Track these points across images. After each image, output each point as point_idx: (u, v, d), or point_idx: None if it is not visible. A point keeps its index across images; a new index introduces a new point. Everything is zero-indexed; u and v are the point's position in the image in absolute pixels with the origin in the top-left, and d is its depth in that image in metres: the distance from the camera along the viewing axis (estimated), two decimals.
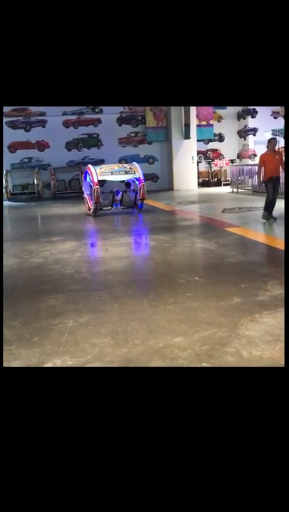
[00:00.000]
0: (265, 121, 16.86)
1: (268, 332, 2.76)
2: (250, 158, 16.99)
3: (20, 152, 15.82)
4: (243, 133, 17.43)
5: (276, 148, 7.47)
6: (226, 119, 17.42)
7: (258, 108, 16.84)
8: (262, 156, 7.45)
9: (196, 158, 16.08)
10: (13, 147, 15.71)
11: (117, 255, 5.36)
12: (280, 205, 7.47)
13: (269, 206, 7.21)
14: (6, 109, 15.26)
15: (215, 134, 17.34)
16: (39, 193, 15.10)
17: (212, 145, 17.49)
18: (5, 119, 15.43)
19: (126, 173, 9.50)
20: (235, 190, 13.59)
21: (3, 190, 14.71)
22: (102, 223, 8.64)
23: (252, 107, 16.83)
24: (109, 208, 9.85)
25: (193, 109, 15.63)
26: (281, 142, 10.91)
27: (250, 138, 17.18)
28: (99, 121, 16.19)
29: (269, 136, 16.54)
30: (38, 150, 15.95)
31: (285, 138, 15.15)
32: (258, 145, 16.90)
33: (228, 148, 17.54)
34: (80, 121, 16.09)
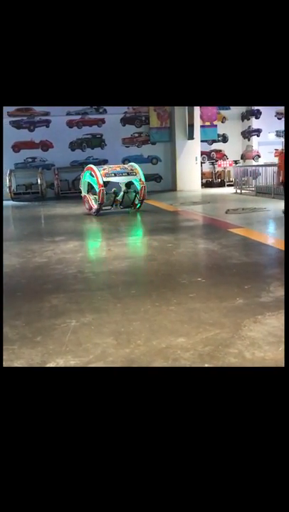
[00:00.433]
0: (269, 122, 16.84)
1: (271, 333, 2.76)
2: (254, 159, 16.97)
3: (24, 152, 15.85)
4: (247, 134, 17.41)
5: None
6: (230, 120, 17.41)
7: (262, 109, 16.82)
8: (281, 157, 7.43)
9: (199, 159, 16.08)
10: (17, 147, 15.75)
11: (119, 255, 5.36)
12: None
13: None
14: (10, 108, 15.31)
15: (219, 135, 17.33)
16: (42, 193, 15.13)
17: (216, 146, 17.48)
18: (9, 119, 15.48)
19: (128, 174, 9.66)
20: (238, 191, 13.57)
21: (7, 189, 14.74)
22: (105, 223, 8.65)
23: (256, 108, 16.81)
24: (109, 207, 9.91)
25: (197, 110, 15.63)
26: None
27: (254, 139, 17.16)
28: (103, 121, 16.21)
29: (273, 137, 16.56)
30: (41, 150, 15.99)
31: (285, 138, 15.16)
32: (261, 146, 16.89)
33: (232, 149, 17.52)
34: (83, 121, 16.12)
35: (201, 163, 16.46)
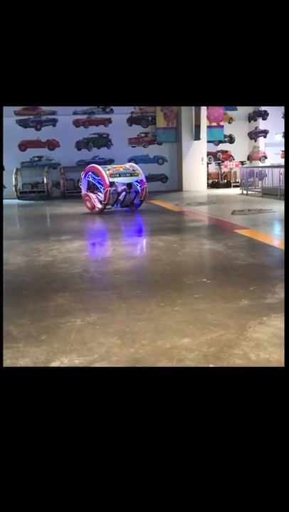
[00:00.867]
0: (276, 123, 16.80)
1: (276, 335, 2.75)
2: (260, 160, 16.94)
3: (31, 151, 15.90)
4: (254, 135, 17.38)
5: None
6: (237, 121, 17.38)
7: (269, 110, 16.79)
8: None
9: (205, 160, 16.06)
10: (24, 146, 15.80)
11: (125, 255, 5.36)
12: None
13: None
14: (17, 107, 15.36)
15: (225, 136, 17.31)
16: (48, 192, 15.16)
17: (222, 146, 17.46)
18: (16, 118, 15.53)
19: (131, 175, 9.86)
20: (244, 192, 13.54)
21: (13, 188, 14.79)
22: (111, 223, 8.65)
23: (263, 109, 16.77)
24: (110, 206, 10.05)
25: (203, 111, 15.61)
26: None
27: (261, 140, 17.13)
28: (109, 121, 16.23)
29: (280, 138, 16.51)
30: (48, 149, 16.03)
31: (285, 138, 15.12)
32: (268, 147, 16.85)
33: (239, 149, 17.50)
34: (90, 120, 16.14)
35: (207, 163, 16.44)
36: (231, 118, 17.36)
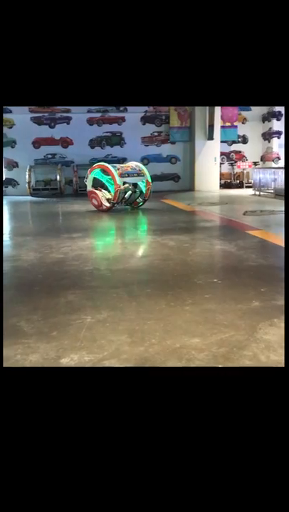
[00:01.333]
0: None
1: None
2: (273, 161, 16.82)
3: (44, 148, 15.97)
4: (268, 135, 17.25)
5: None
6: (251, 121, 17.27)
7: (283, 111, 16.64)
8: None
9: (218, 160, 16.00)
10: (38, 143, 15.88)
11: (136, 254, 5.37)
12: None
13: None
14: (32, 105, 15.43)
15: (239, 136, 17.21)
16: (61, 190, 15.23)
17: (235, 147, 17.36)
18: (30, 115, 15.62)
19: (138, 175, 10.11)
20: (257, 192, 13.46)
21: (26, 185, 14.89)
22: (122, 222, 8.67)
23: (277, 110, 16.64)
24: (116, 205, 10.21)
25: (217, 110, 15.55)
26: None
27: (275, 141, 16.99)
28: (123, 119, 16.24)
29: None
30: (61, 146, 16.09)
31: (285, 138, 14.98)
32: (282, 148, 16.71)
33: (252, 150, 17.39)
34: (104, 119, 16.17)
35: (220, 163, 16.38)
36: (245, 118, 17.26)
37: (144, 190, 10.29)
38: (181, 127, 16.43)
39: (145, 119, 16.42)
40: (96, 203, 10.20)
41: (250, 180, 16.08)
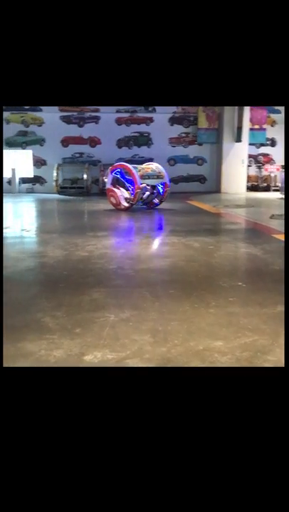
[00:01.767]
0: None
1: None
2: None
3: (73, 147, 16.13)
4: None
5: None
6: (280, 124, 17.03)
7: None
8: None
9: (246, 162, 15.84)
10: (66, 142, 16.04)
11: (160, 254, 5.38)
12: None
13: None
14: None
15: (267, 139, 17.00)
16: (87, 188, 15.35)
17: (263, 149, 17.16)
18: (60, 114, 15.80)
19: (157, 177, 10.30)
20: (284, 196, 13.26)
21: (53, 183, 15.07)
22: (147, 222, 8.69)
23: None
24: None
25: (246, 113, 15.41)
26: None
27: None
28: (151, 120, 16.25)
29: None
30: (89, 146, 16.21)
31: (285, 138, 14.67)
32: None
33: (280, 153, 17.14)
34: (132, 119, 16.22)
35: (248, 166, 16.21)
36: (274, 121, 17.03)
37: (161, 191, 10.50)
38: (209, 129, 16.33)
39: (173, 120, 16.39)
40: (114, 201, 10.31)
41: (277, 184, 15.86)
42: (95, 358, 2.51)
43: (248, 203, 12.12)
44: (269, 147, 17.21)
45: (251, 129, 16.09)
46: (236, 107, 15.25)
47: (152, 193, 10.48)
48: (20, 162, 15.17)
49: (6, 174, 15.08)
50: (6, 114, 15.48)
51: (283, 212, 9.31)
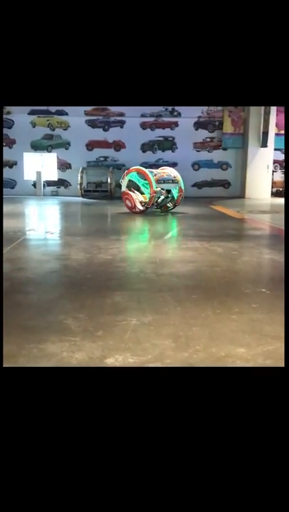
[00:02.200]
0: None
1: None
2: None
3: (97, 151, 16.26)
4: None
5: None
6: None
7: None
8: None
9: (271, 167, 15.68)
10: (91, 145, 16.19)
11: (183, 259, 5.36)
12: None
13: None
14: (87, 108, 15.78)
15: None
16: (111, 192, 15.44)
17: None
18: (85, 118, 15.97)
19: (172, 182, 10.48)
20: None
21: (78, 186, 15.22)
22: (170, 226, 8.68)
23: None
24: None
25: (273, 117, 15.26)
26: None
27: None
28: (176, 124, 16.26)
29: None
30: (114, 150, 16.32)
31: (285, 138, 14.37)
32: None
33: None
34: (157, 123, 16.26)
35: (273, 171, 16.04)
36: None
37: (175, 196, 10.65)
38: (234, 133, 16.23)
39: (198, 125, 16.36)
40: (130, 204, 10.41)
41: None
42: (116, 361, 2.51)
43: (273, 208, 11.98)
44: None
45: (277, 134, 15.92)
46: (262, 112, 15.12)
47: (167, 197, 10.67)
48: (45, 165, 15.38)
49: (31, 177, 15.33)
50: (32, 118, 15.75)
51: None
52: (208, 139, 16.44)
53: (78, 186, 15.27)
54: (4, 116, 15.57)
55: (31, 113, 15.69)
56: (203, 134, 16.41)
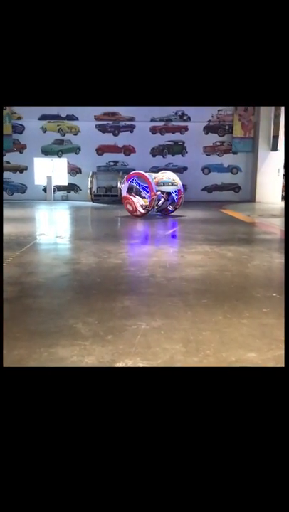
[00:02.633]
0: None
1: None
2: None
3: (107, 155, 16.34)
4: None
5: None
6: None
7: None
8: None
9: (282, 171, 15.61)
10: (101, 150, 16.28)
11: (192, 263, 5.35)
12: None
13: None
14: (97, 112, 15.87)
15: None
16: (121, 196, 15.48)
17: None
18: (95, 123, 16.06)
19: (172, 184, 10.72)
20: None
21: (88, 191, 15.28)
22: (180, 230, 8.67)
23: None
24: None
25: (283, 121, 15.20)
26: None
27: None
28: (186, 128, 16.28)
29: None
30: (124, 154, 16.38)
31: (285, 138, 14.25)
32: None
33: None
34: (167, 128, 16.29)
35: (283, 175, 15.96)
36: None
37: (175, 199, 10.87)
38: (245, 137, 16.20)
39: (208, 129, 16.36)
40: (131, 208, 10.54)
41: None
42: (126, 365, 2.51)
43: (283, 212, 11.90)
44: None
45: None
46: (273, 115, 15.09)
47: (167, 200, 10.88)
48: (55, 170, 15.48)
49: (42, 182, 15.43)
50: (43, 123, 15.89)
51: None
52: (218, 143, 16.43)
53: (88, 191, 15.34)
54: (15, 121, 15.73)
55: (42, 118, 15.83)
56: (213, 138, 16.41)
